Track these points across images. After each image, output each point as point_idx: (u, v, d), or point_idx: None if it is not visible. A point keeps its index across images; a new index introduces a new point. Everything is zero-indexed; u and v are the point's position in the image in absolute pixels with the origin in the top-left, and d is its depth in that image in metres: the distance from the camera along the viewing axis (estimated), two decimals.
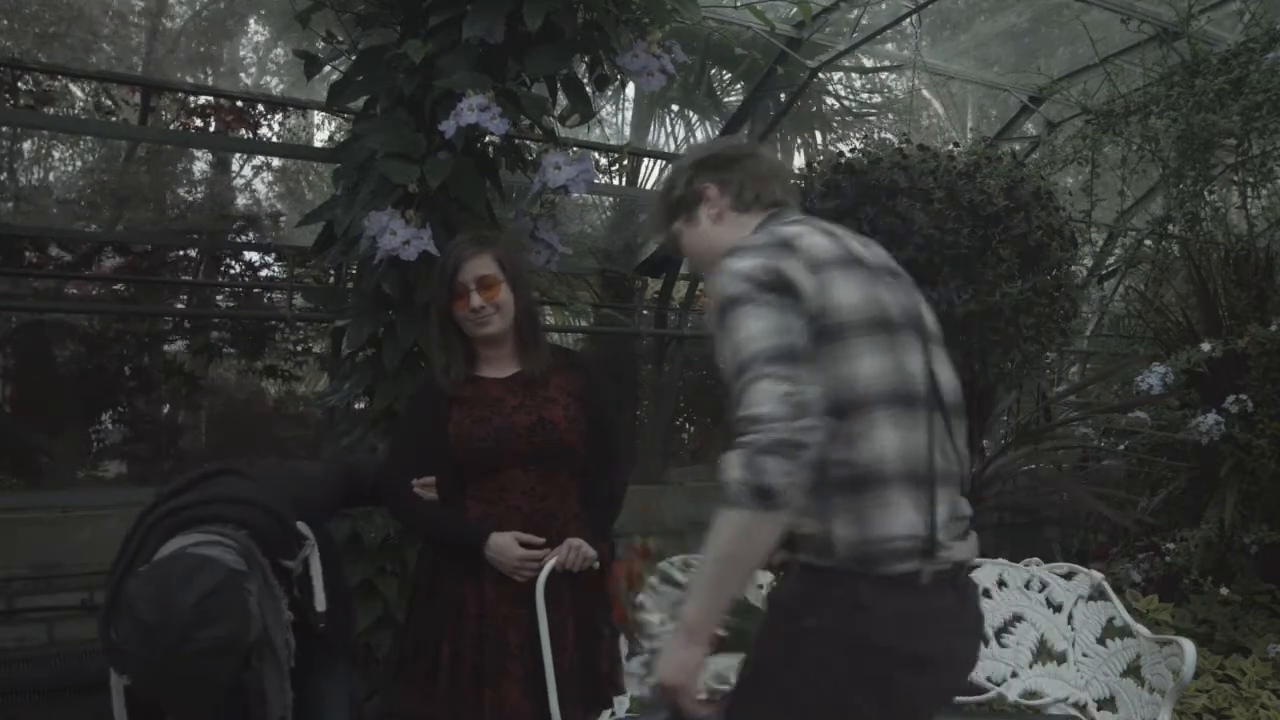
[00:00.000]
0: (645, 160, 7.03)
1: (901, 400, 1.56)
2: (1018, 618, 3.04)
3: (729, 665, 1.61)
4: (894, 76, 6.55)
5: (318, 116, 6.60)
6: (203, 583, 1.83)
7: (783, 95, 5.53)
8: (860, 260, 1.63)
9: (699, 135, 6.58)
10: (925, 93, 6.56)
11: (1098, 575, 3.03)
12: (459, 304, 2.40)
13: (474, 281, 2.39)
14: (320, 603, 2.15)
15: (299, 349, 6.74)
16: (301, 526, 2.16)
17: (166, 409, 6.86)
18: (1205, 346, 4.23)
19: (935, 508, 1.55)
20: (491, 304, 2.39)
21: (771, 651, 1.55)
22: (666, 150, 6.76)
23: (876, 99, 7.06)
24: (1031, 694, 2.94)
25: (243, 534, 2.02)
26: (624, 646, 2.52)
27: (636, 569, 1.80)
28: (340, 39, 3.23)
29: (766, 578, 2.99)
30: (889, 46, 5.73)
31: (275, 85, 6.59)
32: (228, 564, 1.90)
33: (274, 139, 6.67)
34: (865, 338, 1.56)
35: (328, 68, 3.34)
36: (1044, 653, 3.00)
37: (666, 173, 1.90)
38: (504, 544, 2.32)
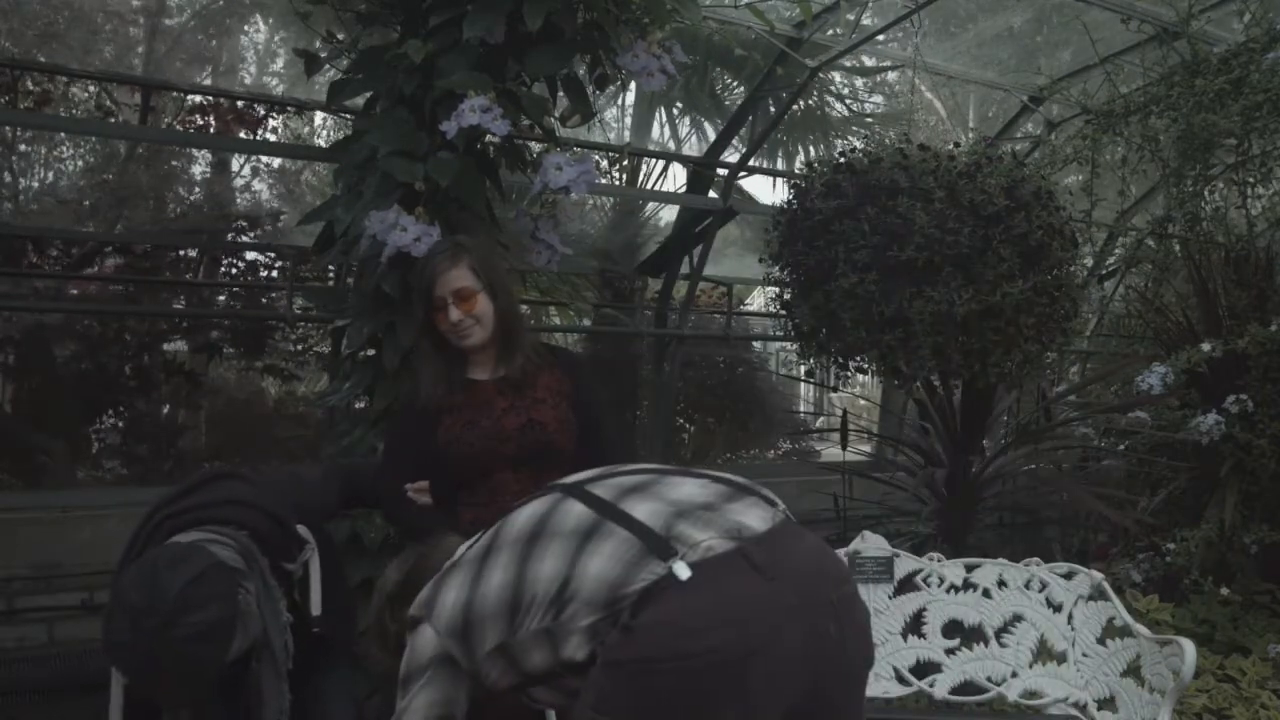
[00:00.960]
0: (645, 160, 7.04)
1: (530, 544, 1.63)
2: (1018, 618, 3.04)
3: None
4: (894, 77, 6.55)
5: (318, 116, 6.60)
6: (189, 569, 1.83)
7: (784, 94, 5.53)
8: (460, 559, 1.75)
9: (700, 135, 6.58)
10: (926, 93, 6.56)
11: (1098, 575, 3.03)
12: (438, 318, 2.38)
13: (451, 295, 2.37)
14: (316, 606, 2.16)
15: (299, 349, 6.75)
16: (302, 530, 2.16)
17: (166, 409, 6.87)
18: (1205, 346, 4.22)
19: (631, 517, 1.58)
20: (470, 316, 2.38)
21: (580, 706, 1.58)
22: (668, 150, 6.77)
23: (877, 98, 7.06)
24: (1031, 694, 2.94)
25: (242, 535, 2.03)
26: None
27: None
28: (340, 38, 3.23)
29: None
30: (889, 46, 5.73)
31: (275, 85, 6.59)
32: (217, 554, 1.91)
33: (274, 139, 6.68)
34: (478, 585, 1.66)
35: (328, 67, 3.34)
36: (1044, 653, 3.00)
37: (372, 611, 1.99)
38: None
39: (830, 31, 5.08)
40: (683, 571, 1.47)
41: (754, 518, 1.56)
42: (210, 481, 2.17)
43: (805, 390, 8.70)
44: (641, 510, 1.58)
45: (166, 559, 1.85)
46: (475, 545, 1.75)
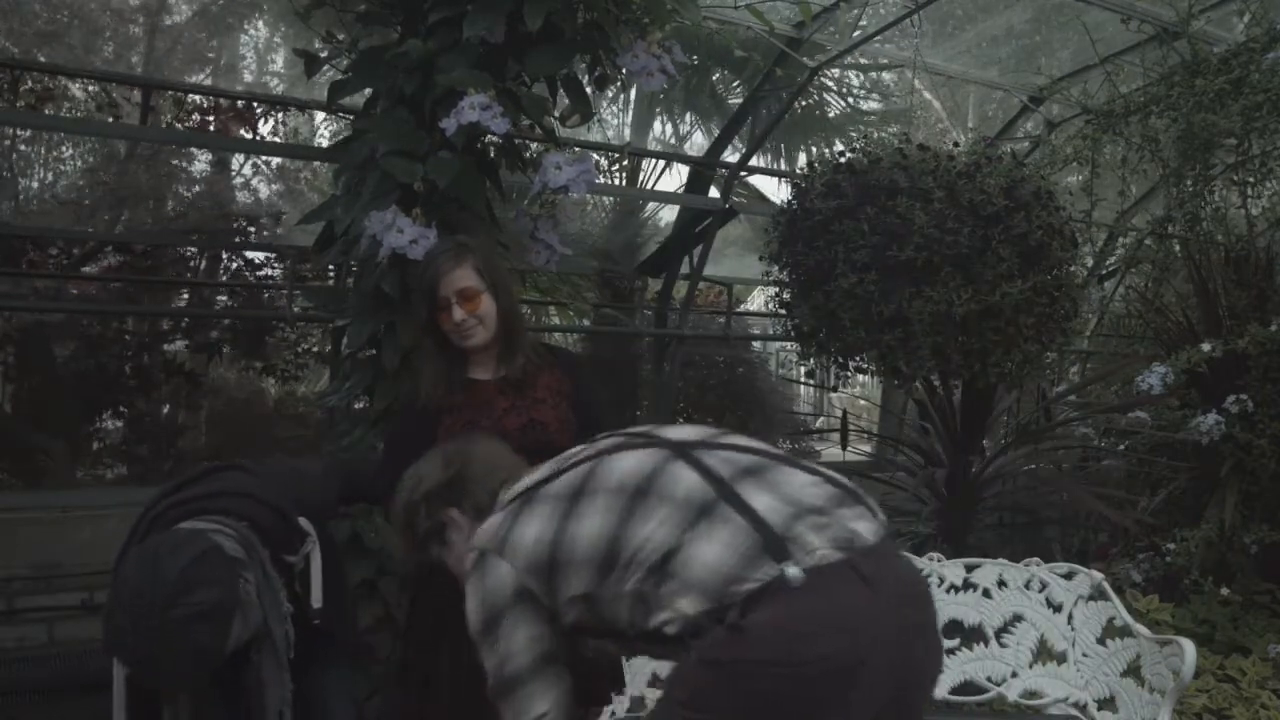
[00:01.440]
0: (645, 160, 7.05)
1: (638, 498, 1.59)
2: (1018, 618, 3.04)
3: None
4: (890, 78, 6.55)
5: (318, 116, 6.60)
6: (189, 552, 1.85)
7: (784, 94, 5.53)
8: (531, 487, 1.73)
9: (704, 133, 6.58)
10: (925, 94, 6.56)
11: (1098, 575, 3.03)
12: (442, 317, 2.39)
13: (455, 295, 2.37)
14: (317, 599, 2.16)
15: (299, 349, 6.75)
16: (303, 522, 2.16)
17: (166, 409, 6.87)
18: (1205, 346, 4.22)
19: (748, 505, 1.55)
20: (474, 316, 2.38)
21: (666, 699, 1.59)
22: (668, 150, 6.77)
23: (875, 99, 7.06)
24: (1031, 694, 2.94)
25: (243, 525, 2.03)
26: None
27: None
28: (340, 38, 3.23)
29: None
30: (889, 46, 5.73)
31: (275, 85, 6.59)
32: (216, 541, 1.92)
33: (274, 139, 6.68)
34: (569, 523, 1.63)
35: (328, 67, 3.34)
36: (1044, 653, 2.99)
37: (402, 502, 1.97)
38: None
39: (830, 29, 5.08)
40: (797, 577, 1.47)
41: (864, 528, 1.56)
42: (212, 473, 2.18)
43: (805, 390, 8.70)
44: (760, 502, 1.55)
45: (168, 544, 1.87)
46: (558, 481, 1.70)
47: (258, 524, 2.07)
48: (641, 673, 2.97)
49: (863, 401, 7.44)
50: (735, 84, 6.30)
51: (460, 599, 2.36)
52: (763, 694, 1.45)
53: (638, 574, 1.54)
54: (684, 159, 6.18)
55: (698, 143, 6.54)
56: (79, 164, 6.72)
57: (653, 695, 3.05)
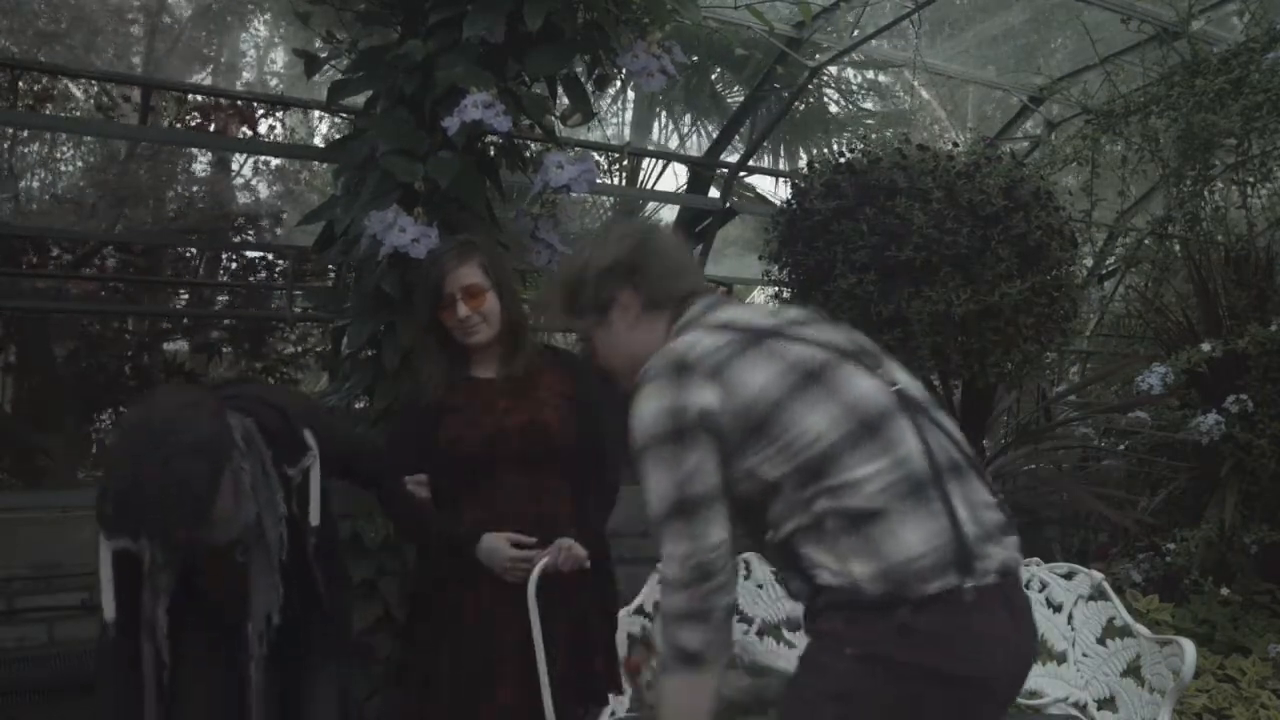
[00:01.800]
0: (645, 160, 7.05)
1: (863, 430, 1.54)
2: None
3: None
4: (890, 79, 6.55)
5: (318, 116, 6.61)
6: (185, 399, 1.95)
7: (784, 94, 5.53)
8: (760, 331, 1.63)
9: (705, 134, 6.58)
10: (924, 94, 6.57)
11: (1098, 575, 3.03)
12: (446, 314, 2.39)
13: (460, 291, 2.37)
14: (315, 516, 2.15)
15: (299, 349, 6.74)
16: (307, 436, 2.15)
17: None
18: (1205, 346, 4.22)
19: (953, 505, 1.51)
20: (478, 313, 2.38)
21: (810, 689, 1.52)
22: (668, 150, 6.78)
23: (875, 99, 7.06)
24: (1031, 694, 2.94)
25: (249, 421, 2.05)
26: (620, 646, 2.53)
27: (634, 661, 1.85)
28: (340, 38, 3.23)
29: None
30: (888, 47, 5.73)
31: (275, 84, 6.60)
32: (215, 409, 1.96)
33: (275, 136, 6.68)
34: (797, 400, 1.54)
35: (328, 67, 3.34)
36: (1044, 653, 2.99)
37: (564, 270, 1.91)
38: (496, 544, 2.31)
39: (830, 29, 5.08)
40: (971, 594, 1.48)
41: (1016, 558, 1.59)
42: (227, 383, 2.25)
43: None
44: (960, 508, 1.53)
45: (165, 392, 1.97)
46: (794, 347, 1.61)
47: (262, 424, 2.07)
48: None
49: None
50: (735, 84, 6.30)
51: (461, 602, 2.37)
52: (914, 698, 1.46)
53: (830, 504, 1.50)
54: (684, 159, 6.19)
55: (700, 143, 6.55)
56: (79, 164, 6.72)
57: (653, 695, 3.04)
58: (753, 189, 6.67)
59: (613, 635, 2.53)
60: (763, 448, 1.53)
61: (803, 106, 6.22)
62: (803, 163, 6.27)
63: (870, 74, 6.72)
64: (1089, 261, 5.63)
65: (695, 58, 5.73)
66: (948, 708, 1.48)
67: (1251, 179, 4.81)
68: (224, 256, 6.70)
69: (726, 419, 1.55)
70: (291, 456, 2.11)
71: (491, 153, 3.14)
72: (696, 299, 1.75)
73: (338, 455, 2.26)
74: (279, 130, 6.69)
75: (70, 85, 6.15)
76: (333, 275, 4.62)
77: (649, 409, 1.58)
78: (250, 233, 6.52)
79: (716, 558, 1.52)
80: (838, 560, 1.48)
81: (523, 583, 2.30)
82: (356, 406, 3.19)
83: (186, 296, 6.97)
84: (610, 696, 2.55)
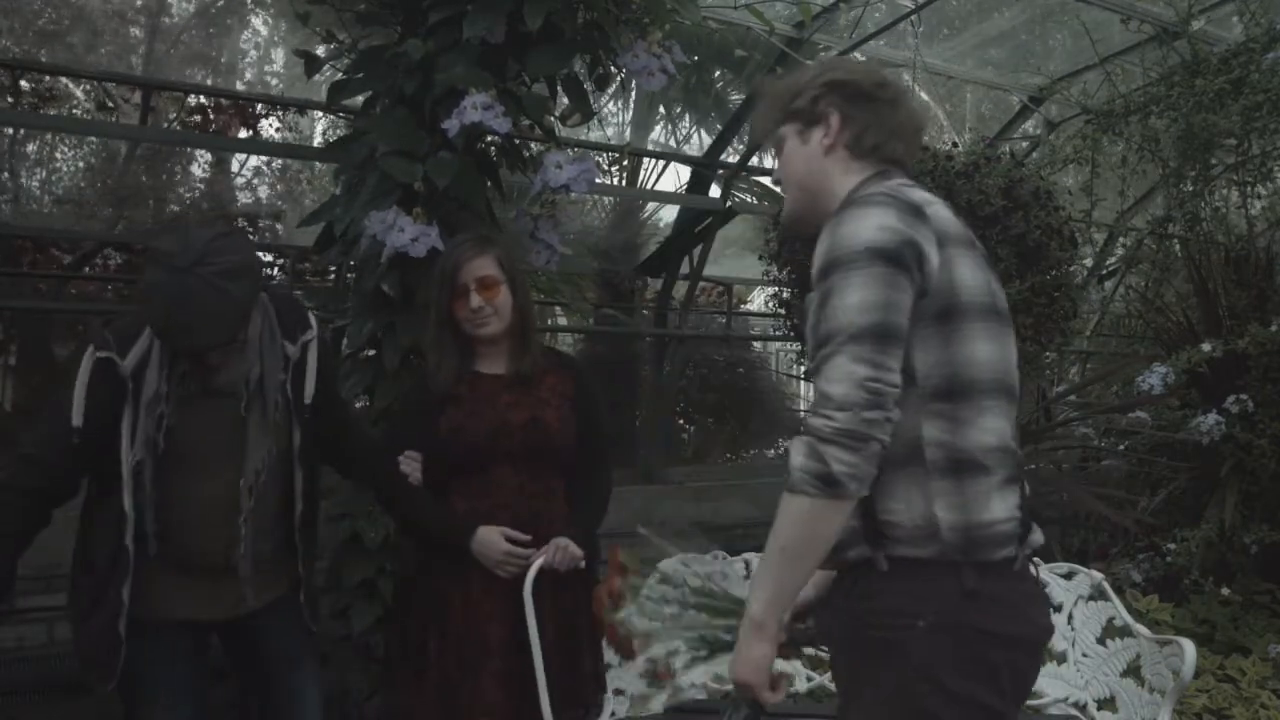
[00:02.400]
0: (645, 160, 7.05)
1: (1004, 390, 1.54)
2: None
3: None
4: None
5: (318, 116, 6.61)
6: (217, 229, 2.04)
7: None
8: (975, 243, 1.59)
9: (706, 134, 6.58)
10: (923, 94, 6.56)
11: (1098, 575, 3.03)
12: (458, 304, 2.41)
13: (474, 282, 2.40)
14: (309, 394, 2.23)
15: None
16: (310, 318, 2.27)
17: None
18: (1205, 346, 4.23)
19: (1022, 493, 1.55)
20: (491, 305, 2.40)
21: (874, 655, 1.49)
22: (668, 150, 6.78)
23: None
24: (1031, 694, 2.94)
25: (262, 294, 2.18)
26: (610, 655, 2.53)
27: (616, 586, 1.77)
28: (340, 38, 3.23)
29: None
30: (887, 47, 5.74)
31: (275, 85, 6.60)
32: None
33: (274, 138, 6.69)
34: (980, 323, 1.52)
35: (328, 67, 3.34)
36: (1044, 653, 2.99)
37: (793, 70, 1.78)
38: (491, 538, 2.33)
39: (830, 29, 5.08)
40: (1021, 562, 1.53)
41: (1042, 540, 1.63)
42: None
43: (805, 390, 8.71)
44: (1026, 486, 1.58)
45: (197, 224, 2.01)
46: (990, 298, 1.55)
47: (272, 293, 2.23)
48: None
49: None
50: (735, 84, 6.30)
51: (449, 593, 2.37)
52: (982, 660, 1.47)
53: (946, 435, 1.47)
54: (684, 159, 6.19)
55: (699, 142, 6.55)
56: (80, 164, 6.72)
57: (653, 695, 3.04)
58: (765, 188, 6.66)
59: (600, 638, 2.54)
60: (932, 335, 1.49)
61: None
62: None
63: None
64: (1089, 261, 5.64)
65: (695, 58, 5.73)
66: (1011, 668, 1.50)
67: (1251, 179, 4.81)
68: None
69: (932, 284, 1.48)
70: (293, 332, 2.23)
71: (492, 153, 3.14)
72: (897, 172, 1.66)
73: (331, 390, 2.36)
74: (278, 126, 6.70)
75: (70, 85, 6.15)
76: (333, 275, 4.63)
77: (874, 224, 1.47)
78: (250, 233, 6.52)
79: (891, 395, 1.41)
80: (923, 499, 1.47)
81: (514, 579, 2.31)
82: (357, 406, 3.19)
83: None
84: (604, 697, 2.56)
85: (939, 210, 1.54)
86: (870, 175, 1.64)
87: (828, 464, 1.38)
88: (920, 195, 1.56)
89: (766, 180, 6.38)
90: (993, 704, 1.48)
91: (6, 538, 2.11)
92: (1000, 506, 1.50)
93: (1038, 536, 1.58)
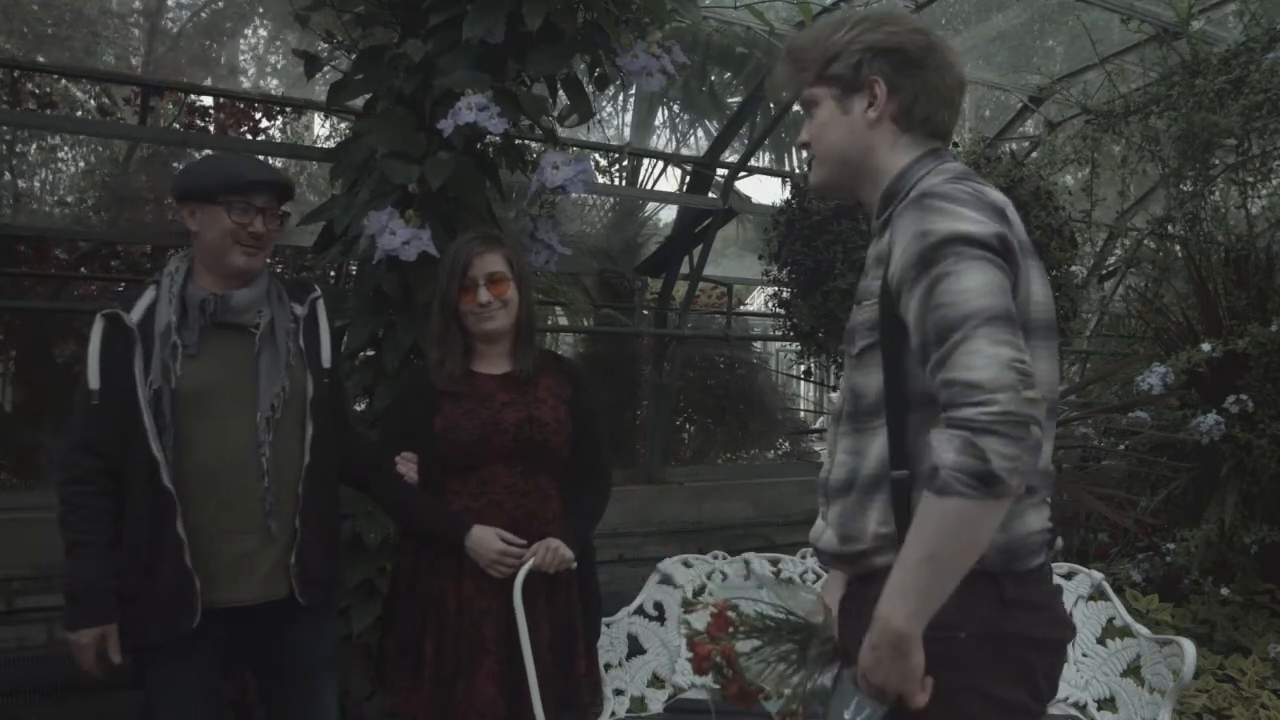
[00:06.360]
0: (645, 160, 7.04)
1: (1053, 413, 1.54)
2: None
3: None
4: None
5: (319, 117, 6.61)
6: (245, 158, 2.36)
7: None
8: (1036, 252, 1.54)
9: (705, 133, 6.57)
10: None
11: (1098, 575, 3.03)
12: (466, 298, 2.43)
13: (484, 277, 2.43)
14: (326, 359, 2.33)
15: None
16: (314, 285, 2.43)
17: None
18: (1205, 346, 4.23)
19: (1049, 497, 1.59)
20: (499, 300, 2.43)
21: (943, 690, 1.43)
22: (667, 150, 6.76)
23: None
24: None
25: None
26: (610, 655, 2.53)
27: (724, 648, 1.62)
28: (340, 39, 3.23)
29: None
30: None
31: (275, 86, 6.59)
32: None
33: (275, 138, 6.68)
34: (1044, 341, 1.49)
35: (328, 68, 3.34)
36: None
37: (823, 26, 1.61)
38: (485, 536, 2.34)
39: None
40: (1048, 568, 1.58)
41: (1060, 542, 1.72)
42: None
43: (805, 390, 8.70)
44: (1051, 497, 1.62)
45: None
46: (1049, 314, 1.54)
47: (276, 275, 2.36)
48: (641, 673, 2.98)
49: None
50: (735, 84, 6.29)
51: (442, 589, 2.37)
52: (1021, 665, 1.48)
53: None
54: (684, 159, 6.18)
55: (700, 143, 6.54)
56: (80, 165, 6.72)
57: (653, 694, 3.05)
58: (748, 199, 6.68)
59: (594, 639, 2.56)
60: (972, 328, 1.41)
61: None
62: (801, 161, 6.28)
63: None
64: (1089, 261, 5.64)
65: (695, 58, 5.72)
66: (1046, 672, 1.52)
67: (1251, 179, 4.81)
68: None
69: (1018, 294, 1.43)
70: (299, 295, 2.36)
71: (491, 153, 3.14)
72: (944, 154, 1.58)
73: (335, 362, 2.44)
74: (278, 126, 6.70)
75: (70, 86, 6.15)
76: (333, 276, 4.63)
77: (971, 215, 1.39)
78: None
79: (1033, 373, 1.31)
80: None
81: (505, 579, 2.32)
82: (357, 407, 3.19)
83: None
84: (603, 699, 2.56)
85: (1014, 214, 1.49)
86: (922, 154, 1.57)
87: (987, 459, 1.25)
88: (998, 196, 1.49)
89: (766, 180, 6.37)
90: (1032, 707, 1.50)
91: (97, 547, 2.10)
92: (1035, 519, 1.53)
93: (1059, 540, 1.64)
